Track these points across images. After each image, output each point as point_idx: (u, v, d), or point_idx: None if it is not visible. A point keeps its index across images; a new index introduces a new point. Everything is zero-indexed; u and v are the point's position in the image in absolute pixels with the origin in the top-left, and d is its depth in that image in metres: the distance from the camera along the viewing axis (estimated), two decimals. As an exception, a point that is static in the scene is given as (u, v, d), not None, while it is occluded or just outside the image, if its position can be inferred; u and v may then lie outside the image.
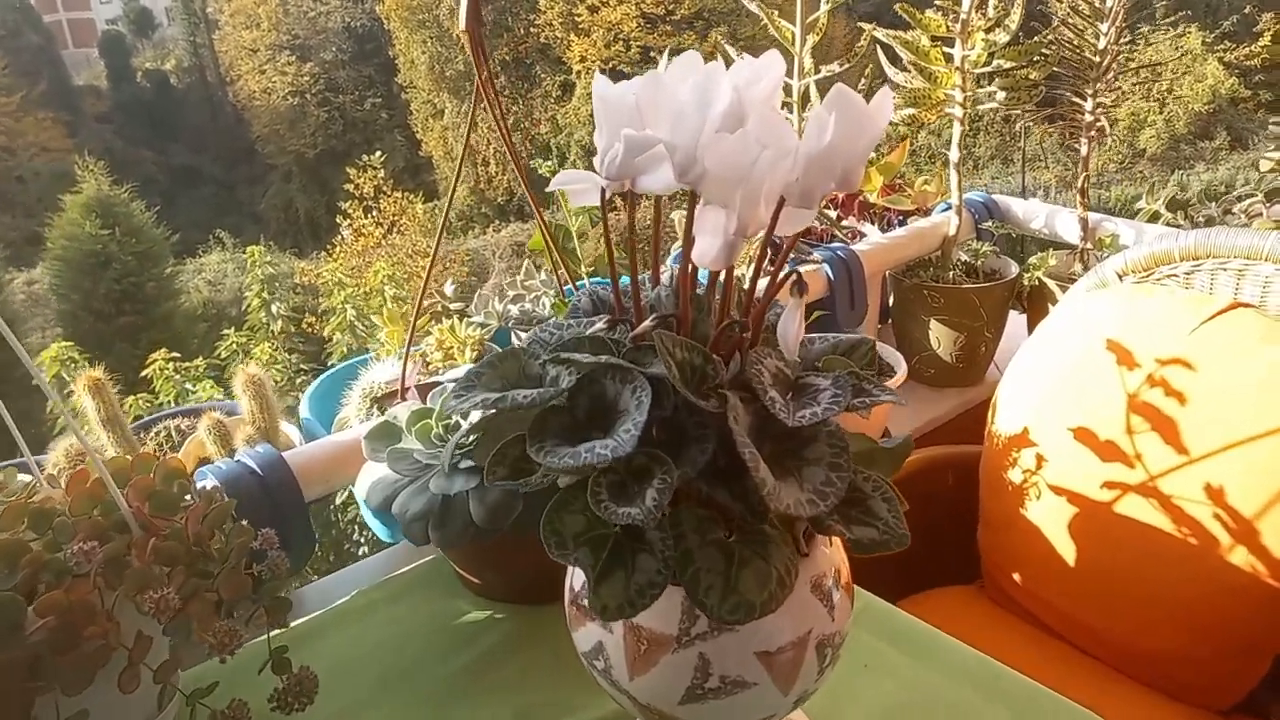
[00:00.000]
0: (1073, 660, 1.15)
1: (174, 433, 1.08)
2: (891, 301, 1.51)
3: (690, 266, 0.60)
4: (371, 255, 11.12)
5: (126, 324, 11.29)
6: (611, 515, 0.47)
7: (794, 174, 0.55)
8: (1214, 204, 1.47)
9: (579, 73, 15.04)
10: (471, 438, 0.65)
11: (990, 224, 1.52)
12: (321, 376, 1.23)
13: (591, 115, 0.59)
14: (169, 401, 6.39)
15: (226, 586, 0.75)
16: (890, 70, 1.45)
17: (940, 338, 1.44)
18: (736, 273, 0.63)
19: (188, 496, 0.78)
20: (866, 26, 1.41)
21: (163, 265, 11.98)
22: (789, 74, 1.30)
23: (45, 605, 0.64)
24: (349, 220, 11.73)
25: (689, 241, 0.58)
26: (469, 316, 1.32)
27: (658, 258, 0.64)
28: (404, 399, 0.92)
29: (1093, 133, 1.40)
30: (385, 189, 11.99)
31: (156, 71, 22.00)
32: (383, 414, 0.96)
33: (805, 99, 1.33)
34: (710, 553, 0.52)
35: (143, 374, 6.48)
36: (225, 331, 6.69)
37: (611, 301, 0.67)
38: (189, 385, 6.60)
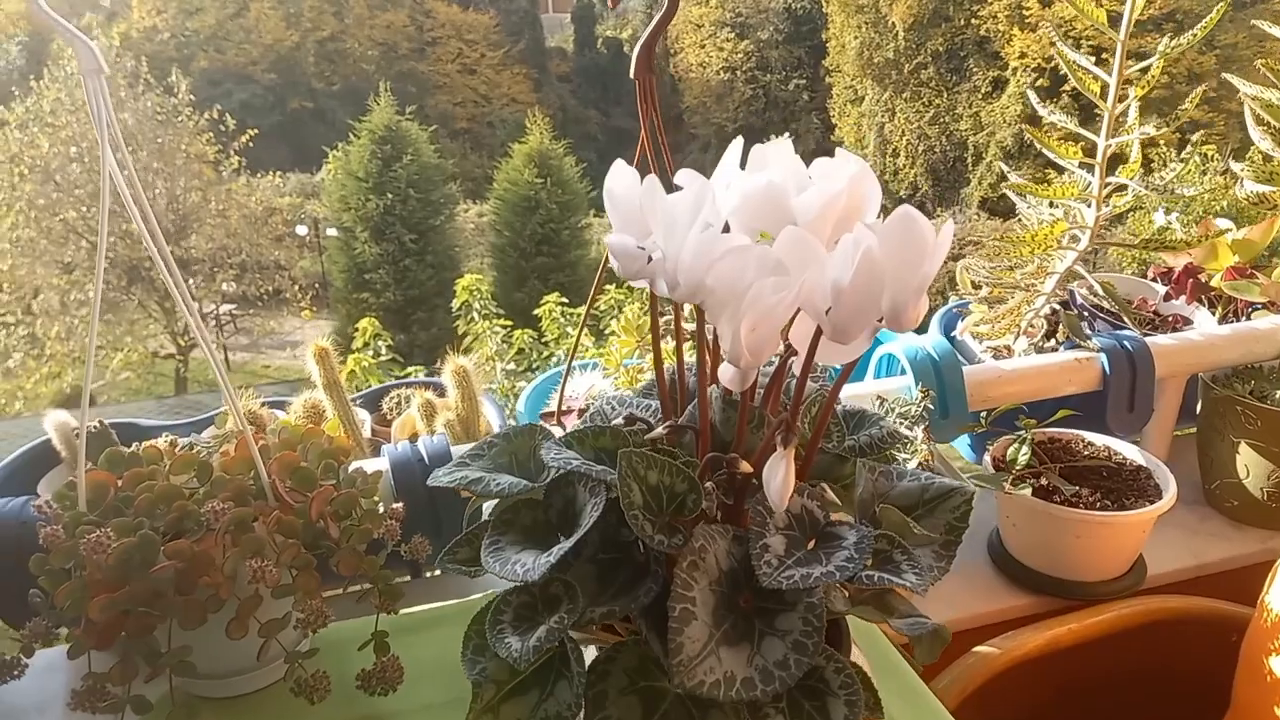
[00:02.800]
0: None
1: (403, 401, 1.20)
2: (1199, 409, 1.25)
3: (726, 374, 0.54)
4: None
5: (541, 264, 12.67)
6: (494, 642, 0.45)
7: (825, 304, 0.48)
8: None
9: (1015, 70, 14.03)
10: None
11: (1362, 338, 1.20)
12: (544, 375, 1.29)
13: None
14: (554, 339, 7.06)
15: (345, 564, 0.82)
16: (1256, 133, 1.19)
17: (1250, 465, 1.17)
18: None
19: (332, 475, 0.86)
20: (1231, 79, 1.17)
21: (579, 216, 13.25)
22: (1097, 130, 1.11)
23: (172, 550, 0.75)
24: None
25: (702, 354, 0.53)
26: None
27: (703, 358, 0.59)
28: (560, 423, 0.94)
29: None
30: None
31: (614, 39, 24.12)
32: (551, 413, 0.99)
33: (1115, 164, 1.13)
34: (629, 703, 0.48)
35: (536, 311, 7.25)
36: (607, 287, 7.27)
37: (688, 389, 0.63)
38: (569, 329, 7.27)
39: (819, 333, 0.50)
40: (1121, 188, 1.11)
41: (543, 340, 6.50)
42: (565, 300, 6.77)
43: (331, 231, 12.30)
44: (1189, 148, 1.08)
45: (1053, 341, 1.26)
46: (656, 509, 0.50)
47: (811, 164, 0.53)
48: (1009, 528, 1.14)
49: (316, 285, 13.63)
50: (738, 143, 0.54)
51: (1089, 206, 1.14)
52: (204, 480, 0.82)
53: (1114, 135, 1.10)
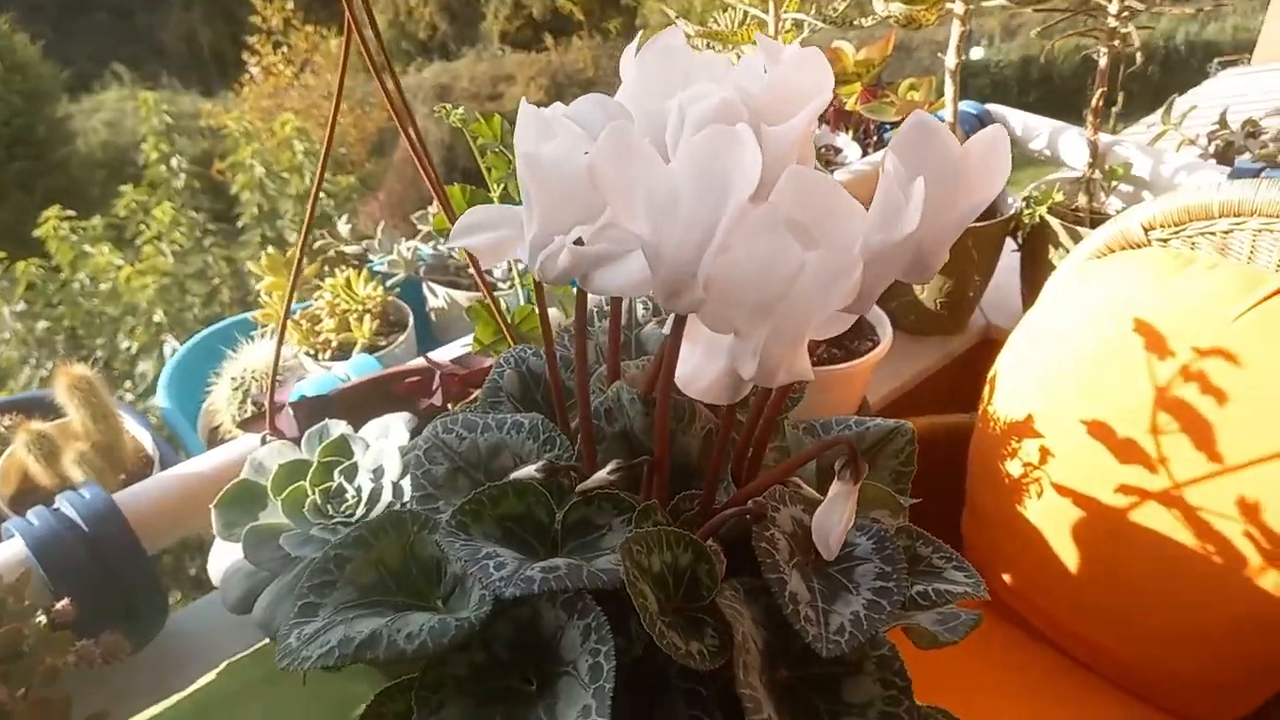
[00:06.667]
0: (1056, 666, 1.04)
1: (2, 431, 0.85)
2: (870, 236, 1.31)
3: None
4: (283, 97, 10.38)
5: (20, 170, 10.44)
6: None
7: (844, 267, 0.34)
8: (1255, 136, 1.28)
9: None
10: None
11: (985, 144, 1.31)
12: (186, 345, 1.00)
13: None
14: (68, 264, 5.87)
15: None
16: (883, -46, 1.19)
17: (924, 283, 1.25)
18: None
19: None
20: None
21: (55, 105, 11.02)
22: (766, -35, 1.04)
23: None
24: (257, 57, 10.86)
25: (671, 358, 0.37)
26: (370, 262, 1.09)
27: (616, 346, 0.43)
28: (272, 432, 0.70)
29: (1115, 43, 1.18)
30: (295, 23, 11.07)
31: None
32: (258, 415, 0.75)
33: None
34: None
35: (35, 233, 5.94)
36: (123, 188, 6.16)
37: (552, 394, 0.47)
38: (87, 247, 6.09)
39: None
40: (798, 24, 1.07)
41: (55, 268, 5.38)
42: (72, 213, 5.61)
43: None
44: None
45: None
46: (667, 602, 0.35)
47: (743, 58, 0.38)
48: (748, 396, 1.11)
49: None
50: (630, 50, 0.37)
51: (767, 49, 1.08)
52: None
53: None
